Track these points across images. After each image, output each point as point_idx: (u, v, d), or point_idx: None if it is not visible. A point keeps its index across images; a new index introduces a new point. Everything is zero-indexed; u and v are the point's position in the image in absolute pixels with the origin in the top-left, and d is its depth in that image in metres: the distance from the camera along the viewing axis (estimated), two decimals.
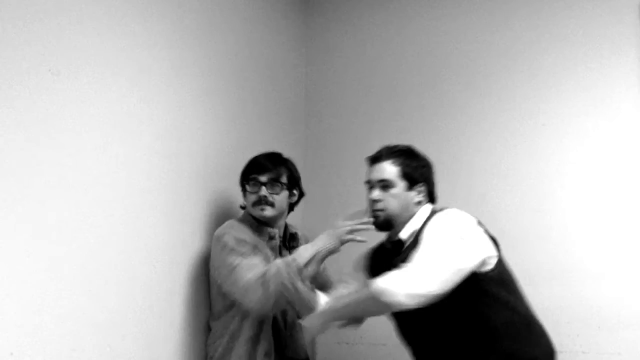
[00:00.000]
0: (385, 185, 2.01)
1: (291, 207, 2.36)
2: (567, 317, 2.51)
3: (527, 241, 2.61)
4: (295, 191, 2.33)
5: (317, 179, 2.98)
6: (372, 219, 2.02)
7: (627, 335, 2.43)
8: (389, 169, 2.02)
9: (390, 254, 2.02)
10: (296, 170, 2.34)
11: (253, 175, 2.25)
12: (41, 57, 1.70)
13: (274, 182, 2.24)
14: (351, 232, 2.03)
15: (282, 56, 3.03)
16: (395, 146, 2.09)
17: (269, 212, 2.23)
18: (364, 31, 3.11)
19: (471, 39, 2.87)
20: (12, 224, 1.60)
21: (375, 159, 2.07)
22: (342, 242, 2.05)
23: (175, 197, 2.19)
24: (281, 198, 2.26)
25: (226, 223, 2.25)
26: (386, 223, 2.01)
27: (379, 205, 2.01)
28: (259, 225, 2.26)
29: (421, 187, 2.05)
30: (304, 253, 2.06)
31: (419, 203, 2.04)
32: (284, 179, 2.26)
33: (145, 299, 2.02)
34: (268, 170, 2.24)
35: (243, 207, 2.32)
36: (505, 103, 2.77)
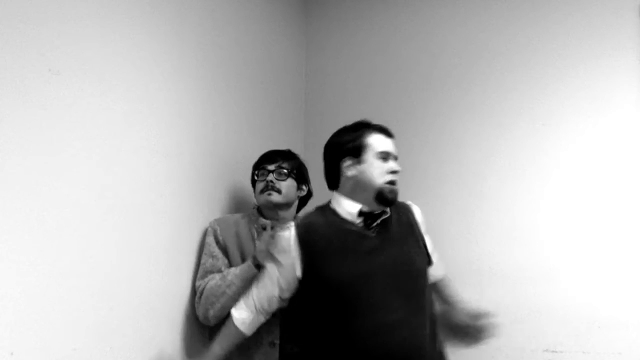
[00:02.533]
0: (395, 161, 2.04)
1: (301, 203, 2.40)
2: (567, 317, 2.52)
3: (526, 240, 2.62)
4: (304, 186, 2.37)
5: (317, 178, 2.98)
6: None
7: (627, 335, 2.43)
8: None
9: (365, 225, 1.99)
10: (304, 167, 2.41)
11: (262, 165, 2.34)
12: (41, 57, 1.70)
13: (281, 169, 2.31)
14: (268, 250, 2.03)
15: (282, 56, 3.03)
16: None
17: (275, 197, 2.27)
18: (363, 31, 3.11)
19: (471, 38, 2.87)
20: (12, 223, 1.60)
21: (390, 134, 2.08)
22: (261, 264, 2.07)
23: (176, 197, 2.19)
24: (288, 185, 2.30)
25: (222, 217, 2.34)
26: (395, 199, 2.01)
27: (397, 178, 2.01)
28: (259, 217, 2.31)
29: None
30: (241, 273, 2.12)
31: None
32: (291, 168, 2.33)
33: (146, 298, 2.02)
34: (276, 160, 2.33)
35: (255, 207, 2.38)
36: (505, 103, 2.77)
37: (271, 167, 2.31)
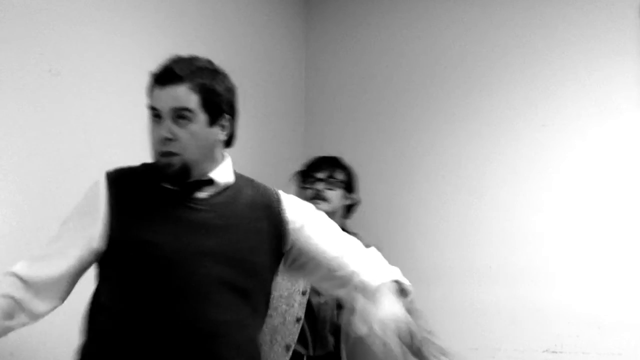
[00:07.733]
0: (182, 116, 1.45)
1: (346, 211, 2.40)
2: (567, 317, 2.52)
3: (526, 240, 2.62)
4: (351, 195, 2.38)
5: None
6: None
7: (627, 335, 2.43)
8: (188, 95, 1.46)
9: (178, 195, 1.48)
10: (353, 176, 2.41)
11: (311, 173, 2.35)
12: (41, 57, 1.70)
13: (330, 179, 2.32)
14: None
15: (282, 56, 3.03)
16: (194, 60, 1.55)
17: (323, 206, 2.25)
18: (364, 31, 3.11)
19: (471, 39, 2.87)
20: (13, 223, 1.60)
21: (166, 79, 1.48)
22: None
23: None
24: (336, 195, 2.32)
25: None
26: (183, 173, 1.46)
27: (173, 147, 1.45)
28: None
29: (226, 122, 1.57)
30: None
31: (221, 143, 1.57)
32: (341, 177, 2.34)
33: None
34: (325, 168, 2.35)
35: None
36: (505, 103, 2.77)
37: (321, 176, 2.33)
